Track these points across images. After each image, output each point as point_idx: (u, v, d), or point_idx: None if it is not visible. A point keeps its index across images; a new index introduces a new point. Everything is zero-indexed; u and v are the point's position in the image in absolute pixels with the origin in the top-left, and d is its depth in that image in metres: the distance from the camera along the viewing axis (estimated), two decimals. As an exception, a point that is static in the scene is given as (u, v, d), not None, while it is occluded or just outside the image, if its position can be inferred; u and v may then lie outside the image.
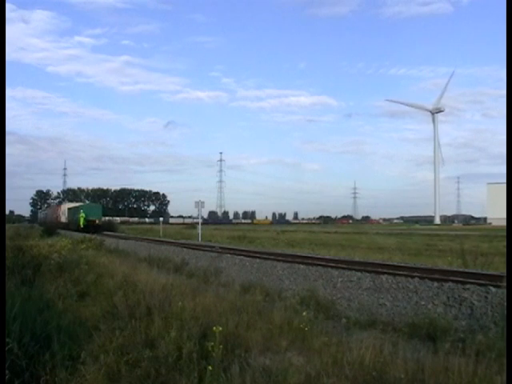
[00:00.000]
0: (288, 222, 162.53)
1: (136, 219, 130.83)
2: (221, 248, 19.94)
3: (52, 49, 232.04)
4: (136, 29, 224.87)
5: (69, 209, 53.42)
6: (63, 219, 53.50)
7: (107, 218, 71.16)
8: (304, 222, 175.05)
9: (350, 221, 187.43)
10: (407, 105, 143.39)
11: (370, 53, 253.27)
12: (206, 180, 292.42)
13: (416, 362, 4.24)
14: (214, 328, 4.43)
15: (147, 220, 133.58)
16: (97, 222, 44.98)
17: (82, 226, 41.45)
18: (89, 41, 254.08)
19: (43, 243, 16.40)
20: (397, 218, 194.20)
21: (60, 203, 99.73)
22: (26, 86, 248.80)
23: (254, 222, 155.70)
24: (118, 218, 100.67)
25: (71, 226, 46.22)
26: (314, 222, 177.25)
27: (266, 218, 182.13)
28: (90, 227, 40.97)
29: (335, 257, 16.24)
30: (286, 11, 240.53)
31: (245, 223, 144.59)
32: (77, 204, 58.74)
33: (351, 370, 3.93)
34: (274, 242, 28.09)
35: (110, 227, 50.27)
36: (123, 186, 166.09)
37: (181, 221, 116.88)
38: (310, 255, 16.67)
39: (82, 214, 43.29)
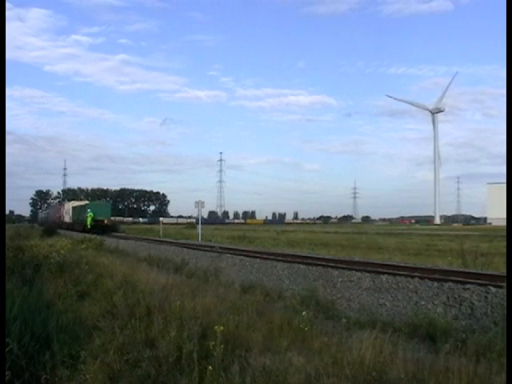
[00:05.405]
0: (283, 222, 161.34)
1: (130, 219, 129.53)
2: (221, 248, 19.94)
3: (49, 47, 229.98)
4: (133, 27, 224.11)
5: (74, 207, 49.45)
6: (67, 219, 50.34)
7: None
8: (298, 222, 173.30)
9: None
10: (407, 103, 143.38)
11: (370, 51, 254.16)
12: (205, 180, 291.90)
13: (416, 362, 4.24)
14: (216, 327, 4.43)
15: (141, 220, 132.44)
16: (105, 221, 41.21)
17: (89, 227, 37.89)
18: (86, 39, 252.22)
19: (43, 243, 16.37)
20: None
21: (60, 202, 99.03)
22: (24, 86, 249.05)
23: (248, 221, 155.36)
24: (112, 218, 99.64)
25: (76, 226, 43.09)
26: (308, 222, 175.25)
27: (266, 217, 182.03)
28: (99, 228, 37.66)
29: (335, 257, 16.24)
30: (284, 9, 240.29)
31: (238, 223, 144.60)
32: (83, 202, 54.08)
33: (351, 370, 3.93)
34: (274, 242, 28.05)
35: (114, 228, 47.27)
36: (123, 186, 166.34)
37: (174, 221, 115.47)
38: (309, 255, 16.68)
39: (90, 214, 39.62)
